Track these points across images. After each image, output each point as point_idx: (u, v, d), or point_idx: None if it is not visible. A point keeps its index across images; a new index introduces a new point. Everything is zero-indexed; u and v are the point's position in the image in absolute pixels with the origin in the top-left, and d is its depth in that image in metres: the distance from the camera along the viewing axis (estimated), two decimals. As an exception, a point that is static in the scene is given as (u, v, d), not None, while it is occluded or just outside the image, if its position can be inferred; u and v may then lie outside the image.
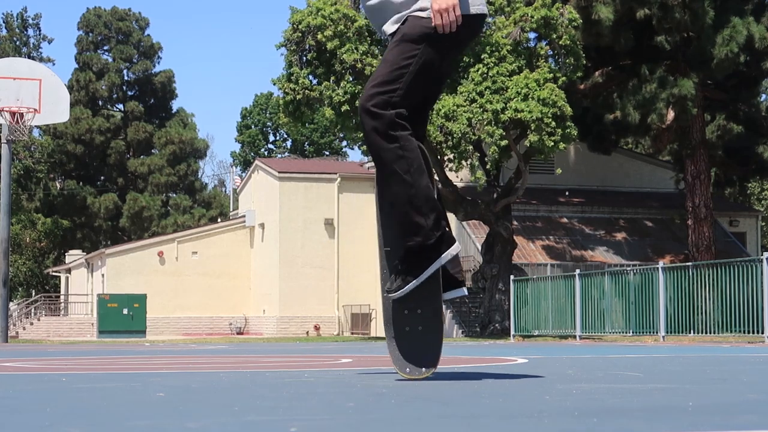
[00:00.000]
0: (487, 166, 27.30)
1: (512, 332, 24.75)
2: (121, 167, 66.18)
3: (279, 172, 39.90)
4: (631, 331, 20.86)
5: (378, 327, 38.26)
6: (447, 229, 3.87)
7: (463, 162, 26.40)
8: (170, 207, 66.80)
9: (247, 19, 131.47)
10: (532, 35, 27.05)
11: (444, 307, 3.98)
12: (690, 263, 20.91)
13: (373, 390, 3.50)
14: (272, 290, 39.82)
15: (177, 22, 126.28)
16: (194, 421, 2.46)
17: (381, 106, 3.78)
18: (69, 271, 53.63)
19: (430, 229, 3.80)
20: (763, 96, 41.22)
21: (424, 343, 3.92)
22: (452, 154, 26.40)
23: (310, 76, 27.46)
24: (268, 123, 72.06)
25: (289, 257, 39.06)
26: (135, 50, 67.44)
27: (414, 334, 3.94)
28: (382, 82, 3.80)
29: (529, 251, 34.25)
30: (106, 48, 67.62)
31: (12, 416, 2.62)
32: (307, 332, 38.54)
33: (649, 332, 20.22)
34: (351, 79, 26.37)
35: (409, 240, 3.83)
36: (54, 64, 70.88)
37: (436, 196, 3.86)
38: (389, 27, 3.96)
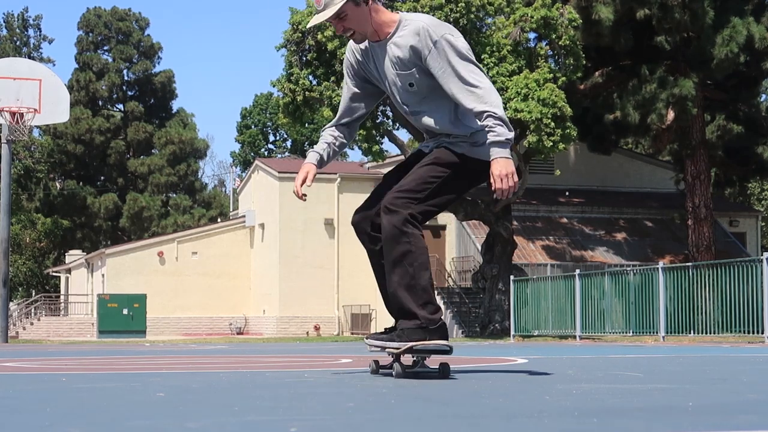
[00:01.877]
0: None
1: (512, 332, 24.74)
2: (121, 167, 66.19)
3: (279, 172, 39.90)
4: (631, 331, 20.86)
5: (378, 327, 38.25)
6: (442, 321, 4.30)
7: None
8: (170, 207, 66.79)
9: (247, 20, 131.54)
10: (531, 35, 27.05)
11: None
12: (690, 263, 20.90)
13: (373, 390, 3.50)
14: (272, 290, 39.82)
15: (177, 22, 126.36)
16: (194, 421, 2.46)
17: (399, 206, 4.26)
18: (69, 271, 53.63)
19: (426, 318, 4.23)
20: (763, 96, 41.22)
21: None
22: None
23: (310, 77, 27.47)
24: (268, 123, 72.07)
25: (289, 257, 39.06)
26: (135, 50, 67.44)
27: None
28: (407, 189, 4.31)
29: (529, 251, 34.24)
30: (106, 48, 67.62)
31: (12, 416, 2.62)
32: (307, 332, 38.54)
33: (649, 332, 20.22)
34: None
35: (404, 323, 4.28)
36: (54, 64, 70.86)
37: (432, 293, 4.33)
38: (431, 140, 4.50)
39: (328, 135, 4.66)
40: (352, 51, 4.50)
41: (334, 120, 4.68)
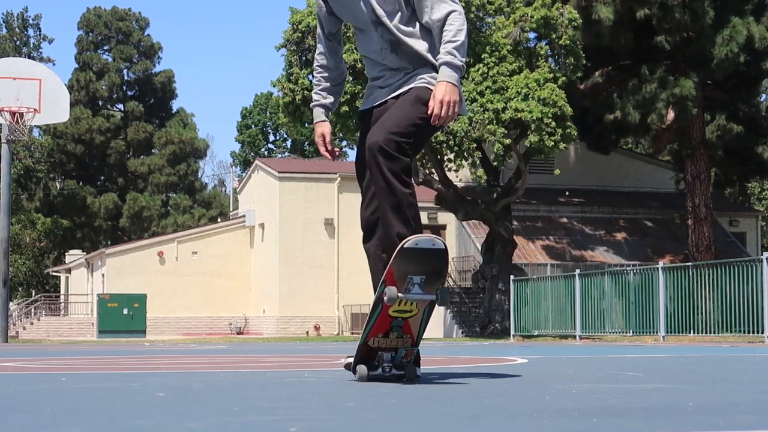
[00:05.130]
0: (494, 164, 27.24)
1: (512, 332, 24.75)
2: (121, 167, 66.18)
3: (279, 172, 39.89)
4: (631, 331, 20.86)
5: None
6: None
7: (463, 161, 26.39)
8: (170, 207, 66.79)
9: (247, 20, 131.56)
10: (532, 35, 27.04)
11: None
12: (690, 263, 20.90)
13: (373, 390, 3.50)
14: (272, 290, 39.82)
15: (177, 22, 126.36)
16: (194, 421, 2.46)
17: (398, 151, 3.90)
18: (69, 271, 53.63)
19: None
20: (763, 96, 41.22)
21: None
22: (452, 154, 26.38)
23: (310, 77, 27.47)
24: (268, 123, 72.08)
25: (289, 257, 39.05)
26: (135, 50, 67.44)
27: None
28: (398, 132, 3.92)
29: (529, 251, 34.24)
30: (106, 48, 67.62)
31: (12, 416, 2.62)
32: (307, 332, 38.53)
33: (649, 332, 20.22)
34: (350, 79, 26.37)
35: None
36: (54, 64, 70.88)
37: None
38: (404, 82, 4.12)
39: (320, 79, 4.39)
40: None
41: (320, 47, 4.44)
